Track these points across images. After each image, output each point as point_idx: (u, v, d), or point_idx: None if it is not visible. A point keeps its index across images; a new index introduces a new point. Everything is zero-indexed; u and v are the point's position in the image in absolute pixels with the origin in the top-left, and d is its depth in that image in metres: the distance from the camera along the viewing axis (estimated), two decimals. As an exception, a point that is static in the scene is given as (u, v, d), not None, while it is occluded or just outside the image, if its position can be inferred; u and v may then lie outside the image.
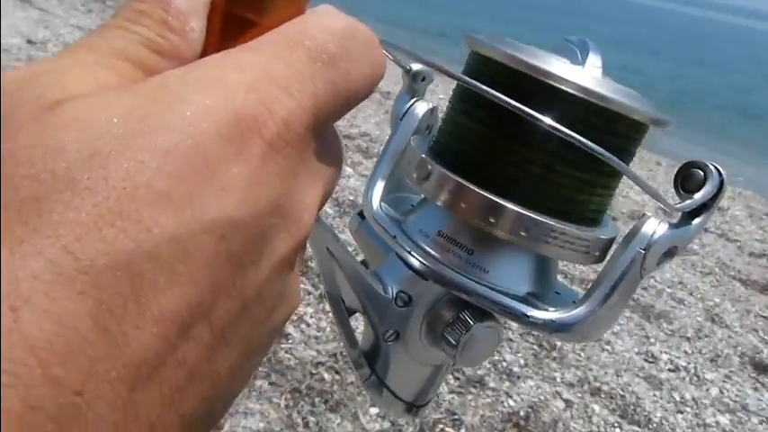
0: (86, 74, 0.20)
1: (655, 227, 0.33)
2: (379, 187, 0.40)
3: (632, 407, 2.23)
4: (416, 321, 0.38)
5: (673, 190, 0.35)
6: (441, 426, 1.92)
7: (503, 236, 0.33)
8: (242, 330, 0.20)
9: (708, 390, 2.46)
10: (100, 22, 2.90)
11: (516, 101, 0.30)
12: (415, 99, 0.41)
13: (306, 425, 1.78)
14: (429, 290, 0.37)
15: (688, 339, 2.79)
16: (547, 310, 0.34)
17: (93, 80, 0.20)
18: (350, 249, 0.37)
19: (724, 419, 2.30)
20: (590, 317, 0.33)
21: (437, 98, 0.42)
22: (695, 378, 2.51)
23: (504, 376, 2.22)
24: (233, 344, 0.20)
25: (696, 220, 0.33)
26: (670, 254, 0.34)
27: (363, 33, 0.24)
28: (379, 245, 0.40)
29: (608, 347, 2.55)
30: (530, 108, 0.30)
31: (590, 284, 0.34)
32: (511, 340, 2.42)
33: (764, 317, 3.14)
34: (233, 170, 0.19)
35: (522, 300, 0.35)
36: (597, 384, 2.31)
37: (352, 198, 3.11)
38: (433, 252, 0.36)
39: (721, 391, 2.46)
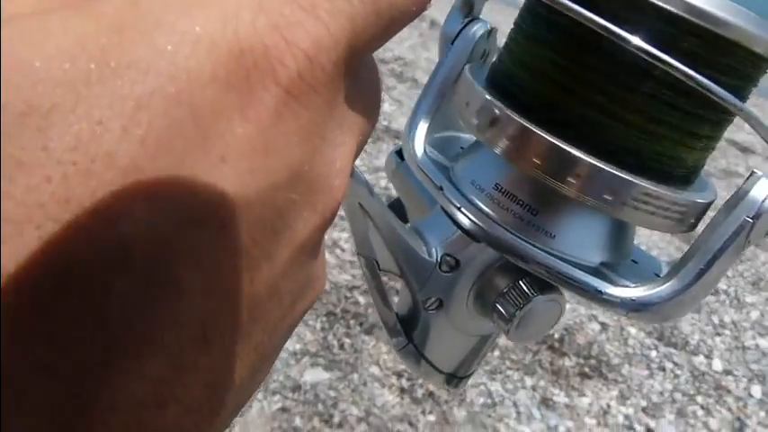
0: None
1: (767, 191, 0.26)
2: (423, 127, 0.33)
3: (669, 329, 2.22)
4: (464, 289, 0.32)
5: None
6: (475, 348, 1.94)
7: (579, 198, 0.27)
8: (253, 340, 0.16)
9: (748, 313, 2.42)
10: None
11: (609, 20, 0.24)
12: (469, 18, 0.34)
13: (341, 347, 1.82)
14: (481, 253, 0.31)
15: (729, 263, 2.74)
16: (624, 284, 0.28)
17: None
18: (384, 201, 0.32)
19: (764, 342, 2.27)
20: (678, 296, 0.27)
21: (496, 18, 0.35)
22: (735, 301, 2.48)
23: (540, 300, 2.22)
24: (243, 356, 0.16)
25: None
26: None
27: None
28: (422, 193, 0.34)
29: (646, 271, 2.52)
30: (621, 30, 0.24)
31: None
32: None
33: (811, 240, 3.06)
34: (236, 130, 0.13)
35: (595, 272, 0.29)
36: (634, 307, 2.29)
37: (385, 123, 3.07)
38: (487, 210, 0.29)
39: (762, 315, 2.43)
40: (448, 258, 0.31)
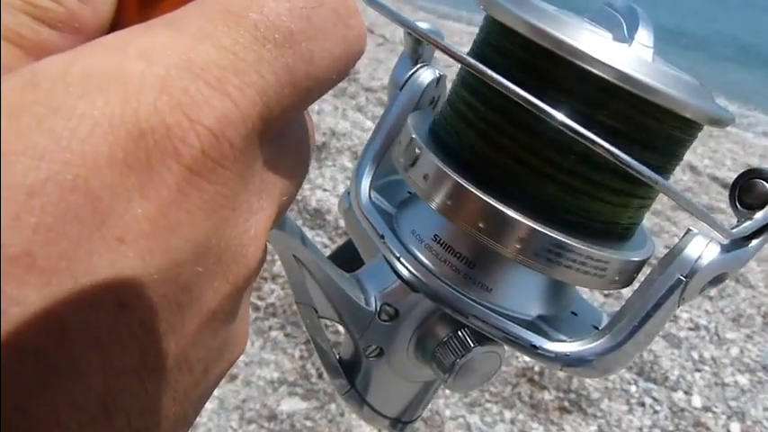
0: None
1: (702, 249, 0.26)
2: (370, 172, 0.33)
3: (649, 364, 2.22)
4: (404, 338, 0.32)
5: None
6: (454, 379, 1.93)
7: (515, 258, 0.27)
8: (162, 410, 0.16)
9: (728, 349, 2.43)
10: None
11: (536, 85, 0.24)
12: (419, 65, 0.33)
13: (320, 376, 1.80)
14: (421, 303, 0.31)
15: (710, 298, 2.75)
16: (560, 338, 0.28)
17: None
18: (322, 248, 0.32)
19: (743, 379, 2.27)
20: (611, 352, 0.27)
21: (448, 65, 0.34)
22: (715, 337, 2.48)
23: (521, 332, 2.22)
24: (151, 426, 0.16)
25: (755, 241, 0.27)
26: (717, 281, 0.27)
27: None
28: (369, 238, 0.34)
29: (627, 305, 2.53)
30: (553, 96, 0.24)
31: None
32: (528, 296, 2.41)
33: (791, 277, 3.08)
34: (135, 211, 0.13)
35: (531, 326, 0.29)
36: (614, 342, 2.29)
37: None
38: (426, 261, 0.30)
39: (742, 351, 2.43)
40: (387, 308, 0.31)
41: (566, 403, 1.95)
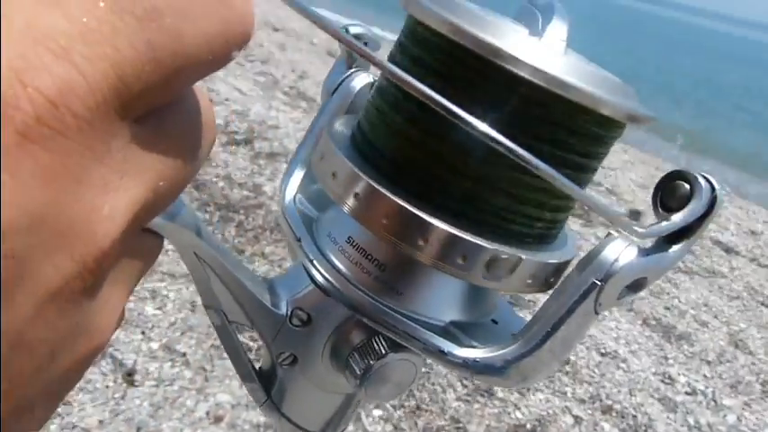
0: None
1: (619, 252, 0.26)
2: (298, 176, 0.33)
3: (643, 428, 2.18)
4: (318, 344, 0.31)
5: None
6: (444, 433, 1.90)
7: (427, 261, 0.26)
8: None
9: (725, 416, 2.39)
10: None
11: (452, 82, 0.24)
12: (353, 70, 0.33)
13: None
14: (334, 308, 0.30)
15: (708, 363, 2.72)
16: (472, 345, 0.28)
17: None
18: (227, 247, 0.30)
19: (739, 448, 2.23)
20: (523, 359, 0.27)
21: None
22: (712, 403, 2.44)
23: (514, 388, 2.19)
24: None
25: (675, 247, 0.26)
26: (637, 287, 0.27)
27: None
28: (290, 238, 0.33)
29: (623, 365, 2.50)
30: (470, 94, 0.23)
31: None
32: (523, 351, 2.39)
33: (791, 345, 3.05)
34: None
35: (443, 331, 0.28)
36: (609, 402, 2.26)
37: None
38: (338, 264, 0.29)
39: (739, 419, 2.39)
40: (299, 312, 0.30)
41: (556, 463, 1.91)
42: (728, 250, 4.02)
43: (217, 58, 0.17)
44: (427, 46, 0.25)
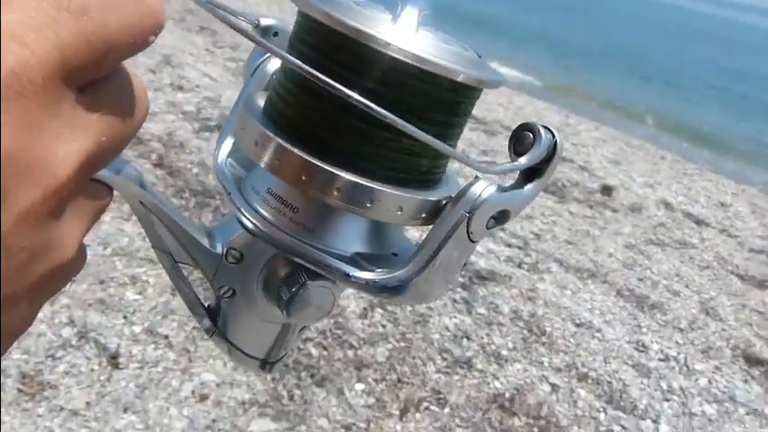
0: None
1: (482, 189, 0.32)
2: (228, 143, 0.40)
3: (619, 393, 2.25)
4: (252, 278, 0.37)
5: None
6: (426, 404, 1.95)
7: (317, 196, 0.32)
8: None
9: (697, 380, 2.47)
10: None
11: (331, 59, 0.30)
12: (267, 55, 0.40)
13: (291, 397, 1.81)
14: (261, 247, 0.36)
15: (681, 330, 2.79)
16: (372, 270, 0.33)
17: None
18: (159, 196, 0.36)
19: (710, 409, 2.31)
20: (413, 279, 0.33)
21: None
22: (685, 368, 2.52)
23: (492, 359, 2.24)
24: None
25: (529, 185, 0.32)
26: (502, 218, 0.33)
27: None
28: (223, 193, 0.39)
29: (598, 335, 2.56)
30: (346, 67, 0.30)
31: None
32: (501, 324, 2.44)
33: (760, 311, 3.14)
34: None
35: (349, 260, 0.34)
36: (585, 370, 2.32)
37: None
38: (261, 210, 0.35)
39: (710, 382, 2.47)
40: (233, 251, 0.36)
41: (535, 429, 1.97)
42: (699, 222, 4.12)
43: (136, 42, 0.22)
44: (312, 32, 0.32)
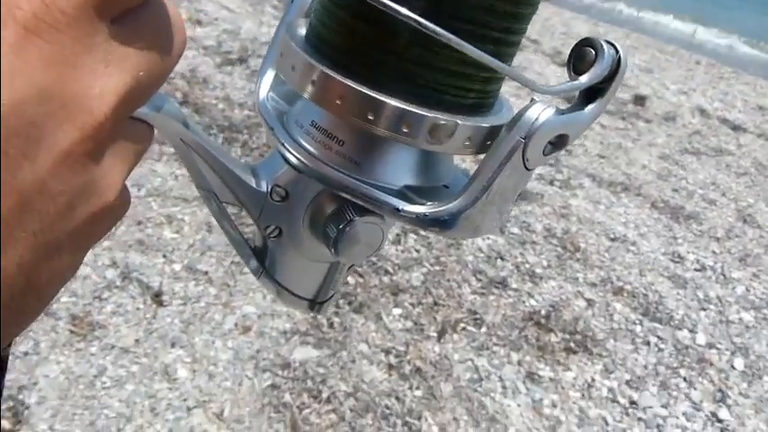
0: None
1: (539, 112, 0.29)
2: (270, 75, 0.37)
3: (654, 305, 2.26)
4: (298, 216, 0.35)
5: None
6: (462, 325, 1.98)
7: (377, 131, 0.30)
8: (29, 227, 0.19)
9: (734, 288, 2.46)
10: None
11: None
12: None
13: (330, 325, 1.86)
14: (307, 183, 0.34)
15: (717, 240, 2.77)
16: (423, 203, 0.32)
17: None
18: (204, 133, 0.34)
19: (748, 316, 2.31)
20: (466, 211, 0.31)
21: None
22: (721, 277, 2.52)
23: (527, 277, 2.25)
24: (21, 241, 0.19)
25: (590, 106, 0.30)
26: (560, 143, 0.30)
27: None
28: (266, 129, 0.37)
29: (633, 248, 2.56)
30: None
31: None
32: (534, 242, 2.44)
33: (799, 216, 3.09)
34: None
35: (398, 194, 0.32)
36: (620, 284, 2.33)
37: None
38: (305, 144, 0.33)
39: (747, 290, 2.47)
40: (278, 189, 0.35)
41: (572, 344, 2.00)
42: (736, 128, 4.01)
43: None
44: None
